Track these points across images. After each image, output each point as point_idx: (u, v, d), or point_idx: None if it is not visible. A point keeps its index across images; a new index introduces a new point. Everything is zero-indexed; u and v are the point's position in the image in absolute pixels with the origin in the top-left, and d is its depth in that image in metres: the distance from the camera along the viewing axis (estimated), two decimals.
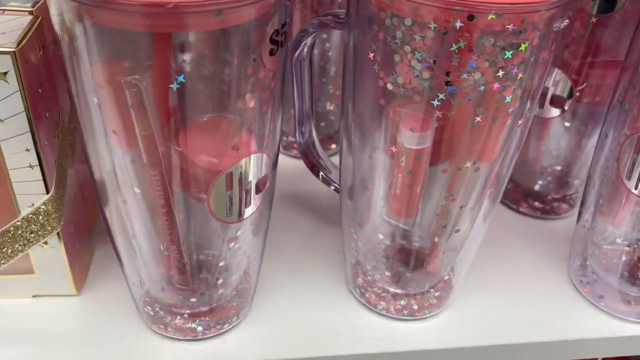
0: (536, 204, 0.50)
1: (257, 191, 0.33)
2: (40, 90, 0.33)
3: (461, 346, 0.39)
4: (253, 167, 0.32)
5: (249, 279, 0.39)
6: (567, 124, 0.46)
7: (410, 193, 0.35)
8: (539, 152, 0.48)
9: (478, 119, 0.30)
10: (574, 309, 0.42)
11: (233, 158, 0.30)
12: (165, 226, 0.33)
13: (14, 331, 0.37)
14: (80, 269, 0.40)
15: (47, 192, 0.35)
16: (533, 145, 0.48)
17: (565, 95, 0.43)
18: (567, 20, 0.29)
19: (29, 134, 0.32)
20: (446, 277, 0.40)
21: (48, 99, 0.34)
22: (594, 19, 0.41)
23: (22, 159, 0.33)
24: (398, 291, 0.40)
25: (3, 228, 0.35)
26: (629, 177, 0.36)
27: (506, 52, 0.28)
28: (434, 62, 0.28)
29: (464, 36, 0.27)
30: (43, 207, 0.35)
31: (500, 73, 0.28)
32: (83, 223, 0.41)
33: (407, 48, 0.29)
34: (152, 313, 0.37)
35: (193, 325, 0.37)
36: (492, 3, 0.26)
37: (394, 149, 0.33)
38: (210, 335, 0.37)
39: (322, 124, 0.54)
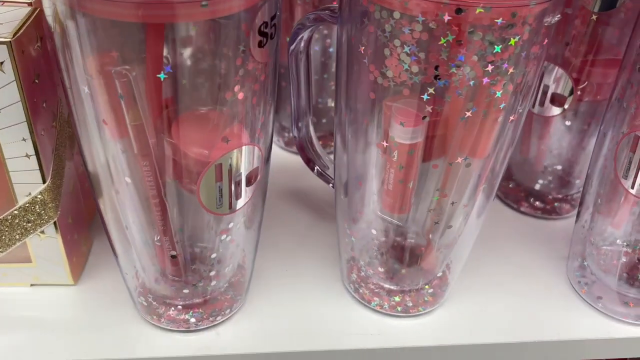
0: (537, 203, 0.49)
1: (248, 184, 0.33)
2: (37, 81, 0.33)
3: (455, 344, 0.38)
4: (244, 159, 0.32)
5: (243, 272, 0.39)
6: (568, 123, 0.45)
7: (403, 188, 0.34)
8: (540, 151, 0.48)
9: (468, 114, 0.30)
10: (571, 310, 0.41)
11: (223, 149, 0.30)
12: (157, 217, 0.33)
13: (11, 318, 0.38)
14: (78, 259, 0.40)
15: (44, 182, 0.35)
16: (534, 144, 0.48)
17: (565, 93, 0.43)
18: (559, 15, 0.29)
19: (25, 123, 0.33)
20: (441, 274, 0.40)
21: (46, 89, 0.35)
22: (594, 17, 0.40)
23: (19, 148, 0.34)
24: (392, 287, 0.40)
25: (1, 217, 0.36)
26: (626, 176, 0.36)
27: (495, 46, 0.28)
28: (424, 55, 0.28)
29: (452, 30, 0.27)
30: (40, 196, 0.35)
31: (490, 67, 0.28)
32: (82, 214, 0.42)
33: (396, 42, 0.29)
34: (146, 304, 0.38)
35: (186, 316, 0.37)
36: None
37: (385, 143, 0.33)
38: (203, 327, 0.38)
39: (324, 121, 0.54)
